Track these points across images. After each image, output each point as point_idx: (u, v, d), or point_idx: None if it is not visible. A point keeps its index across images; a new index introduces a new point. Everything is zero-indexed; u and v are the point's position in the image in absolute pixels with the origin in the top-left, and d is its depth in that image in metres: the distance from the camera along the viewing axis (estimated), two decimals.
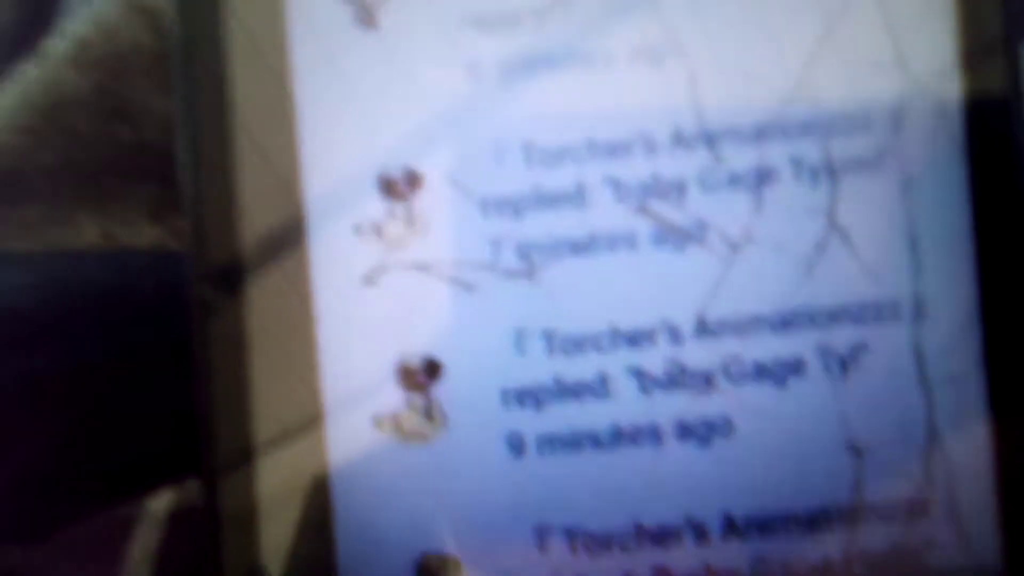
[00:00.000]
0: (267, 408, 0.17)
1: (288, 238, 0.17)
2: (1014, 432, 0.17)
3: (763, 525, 0.17)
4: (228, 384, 0.17)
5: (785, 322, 0.17)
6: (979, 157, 0.17)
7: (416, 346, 0.17)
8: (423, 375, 0.17)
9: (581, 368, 0.17)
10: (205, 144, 0.17)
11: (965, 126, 0.17)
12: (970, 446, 0.17)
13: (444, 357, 0.17)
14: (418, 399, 0.17)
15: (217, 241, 0.17)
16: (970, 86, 0.17)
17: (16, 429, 0.19)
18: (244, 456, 0.17)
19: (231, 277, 0.17)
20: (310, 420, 0.17)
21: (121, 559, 0.20)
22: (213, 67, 0.17)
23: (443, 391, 0.17)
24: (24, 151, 0.20)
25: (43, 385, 0.19)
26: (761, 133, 0.18)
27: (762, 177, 0.17)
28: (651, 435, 0.17)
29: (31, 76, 0.20)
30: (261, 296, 0.17)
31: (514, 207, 0.17)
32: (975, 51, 0.18)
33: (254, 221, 0.17)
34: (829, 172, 0.17)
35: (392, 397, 0.17)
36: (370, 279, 0.17)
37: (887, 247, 0.17)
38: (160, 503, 0.20)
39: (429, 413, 0.17)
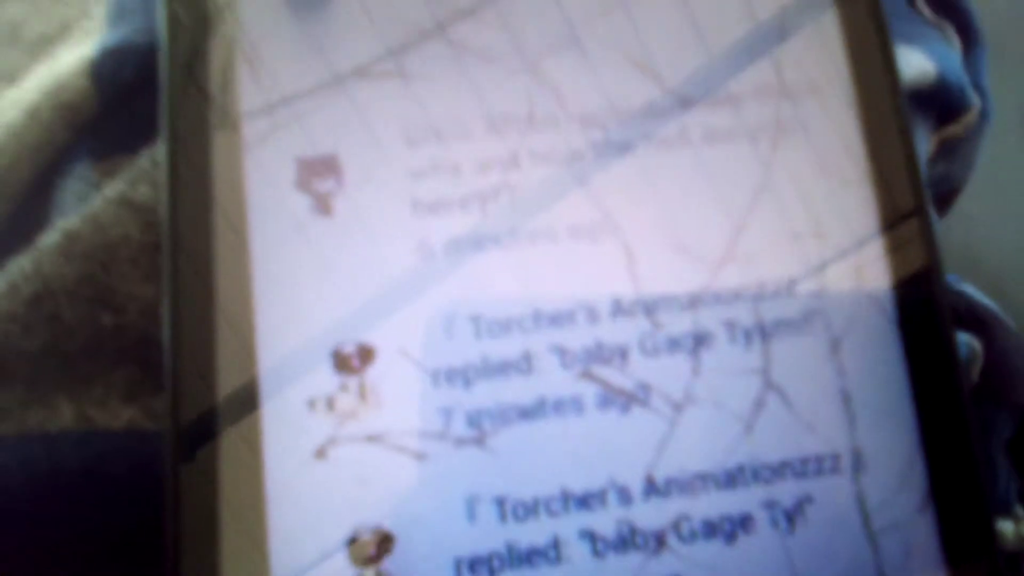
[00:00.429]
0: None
1: (244, 408, 0.18)
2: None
3: None
4: (196, 551, 0.17)
5: (730, 478, 0.18)
6: (904, 317, 0.19)
7: (368, 518, 0.17)
8: (374, 548, 0.17)
9: (533, 533, 0.17)
10: (186, 324, 0.18)
11: (888, 287, 0.19)
12: None
13: (396, 528, 0.17)
14: (369, 573, 0.17)
15: (190, 411, 0.18)
16: (890, 254, 0.19)
17: None
18: None
19: (198, 442, 0.17)
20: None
21: None
22: (198, 255, 0.18)
23: (395, 563, 0.17)
24: (8, 338, 0.20)
25: (2, 571, 0.19)
26: (695, 300, 0.19)
27: (699, 340, 0.18)
28: None
29: (22, 267, 0.20)
30: (226, 465, 0.17)
31: (464, 376, 0.18)
32: (891, 218, 0.19)
33: (234, 396, 0.18)
34: (761, 334, 0.19)
35: (343, 573, 0.17)
36: (322, 453, 0.18)
37: (822, 403, 0.18)
38: None
39: None
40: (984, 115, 0.27)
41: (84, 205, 0.21)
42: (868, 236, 0.19)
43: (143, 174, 0.21)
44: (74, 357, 0.20)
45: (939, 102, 0.25)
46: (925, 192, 0.19)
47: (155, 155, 0.21)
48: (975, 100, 0.26)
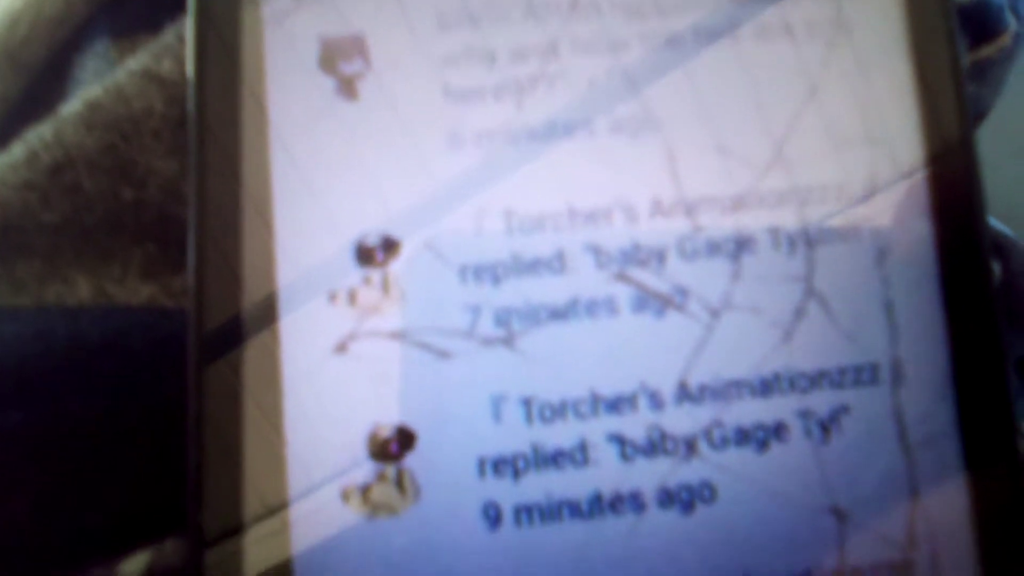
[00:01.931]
0: (254, 479, 0.17)
1: (269, 306, 0.17)
2: (992, 490, 0.17)
3: None
4: (219, 449, 0.17)
5: (766, 387, 0.17)
6: (945, 230, 0.18)
7: (389, 416, 0.17)
8: (395, 445, 0.17)
9: (560, 435, 0.17)
10: (211, 209, 0.17)
11: (932, 201, 0.18)
12: (951, 506, 0.17)
13: (418, 426, 0.17)
14: (389, 470, 0.17)
15: (216, 303, 0.17)
16: (935, 166, 0.18)
17: None
18: (233, 524, 0.17)
19: (228, 340, 0.17)
20: (277, 495, 0.17)
21: None
22: (224, 136, 0.17)
23: (416, 461, 0.17)
24: (26, 208, 0.20)
25: (20, 442, 0.19)
26: (738, 203, 0.18)
27: (740, 245, 0.18)
28: (633, 502, 0.17)
29: (41, 135, 0.20)
30: (254, 362, 0.17)
31: (492, 274, 0.17)
32: (939, 136, 0.18)
33: (254, 287, 0.17)
34: (806, 241, 0.18)
35: (362, 468, 0.17)
36: (342, 347, 0.17)
37: (864, 313, 0.18)
38: (135, 565, 0.19)
39: (400, 484, 0.17)
40: (1019, 38, 0.26)
41: (103, 81, 0.20)
42: (916, 149, 0.18)
43: (167, 48, 0.20)
44: (93, 232, 0.20)
45: (976, 21, 0.24)
46: (969, 112, 0.18)
47: (180, 30, 0.20)
48: (1011, 22, 0.25)
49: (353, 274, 0.17)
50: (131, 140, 0.20)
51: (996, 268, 0.22)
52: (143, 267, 0.20)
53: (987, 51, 0.25)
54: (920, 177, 0.18)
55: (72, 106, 0.20)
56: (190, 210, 0.17)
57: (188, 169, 0.18)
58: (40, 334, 0.19)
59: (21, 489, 0.19)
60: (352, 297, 0.17)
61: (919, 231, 0.18)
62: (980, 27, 0.24)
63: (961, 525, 0.17)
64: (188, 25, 0.18)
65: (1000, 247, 0.23)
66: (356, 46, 0.18)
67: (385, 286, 0.17)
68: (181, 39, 0.20)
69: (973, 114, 0.27)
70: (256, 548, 0.17)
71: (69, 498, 0.19)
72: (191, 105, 0.18)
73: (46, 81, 0.22)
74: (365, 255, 0.17)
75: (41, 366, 0.19)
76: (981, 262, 0.18)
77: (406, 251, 0.17)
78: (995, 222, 0.23)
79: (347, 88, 0.18)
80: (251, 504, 0.17)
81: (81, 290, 0.20)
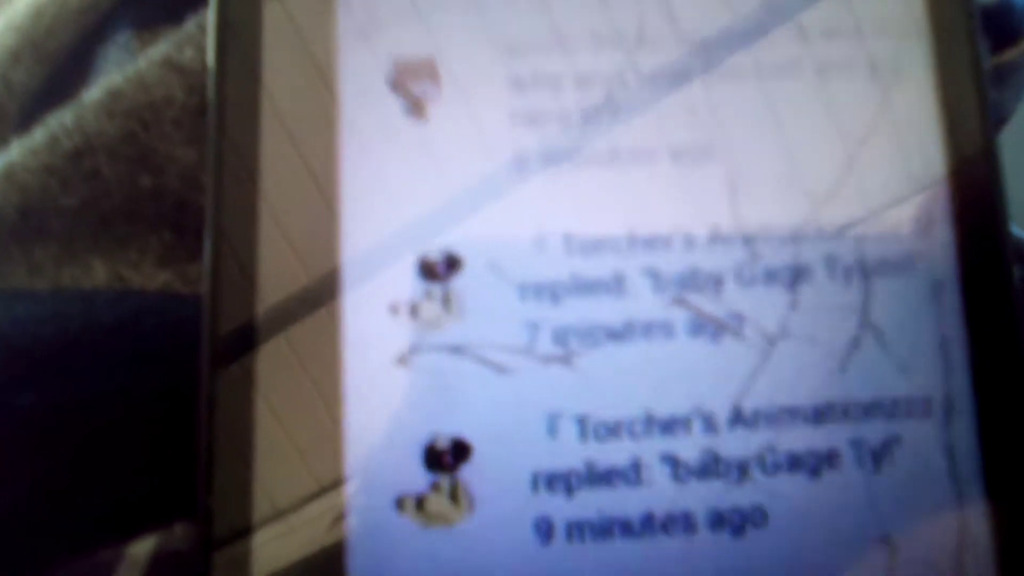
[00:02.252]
0: (272, 476, 0.17)
1: (310, 307, 0.18)
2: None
3: None
4: (232, 440, 0.17)
5: (819, 414, 0.18)
6: (967, 239, 0.18)
7: (446, 427, 0.17)
8: (451, 456, 0.17)
9: (614, 454, 0.17)
10: (228, 205, 0.18)
11: (953, 209, 0.18)
12: (1003, 541, 0.17)
13: (474, 439, 0.17)
14: (444, 481, 0.17)
15: (233, 295, 0.17)
16: (957, 174, 0.18)
17: None
18: (243, 513, 0.17)
19: (245, 336, 0.17)
20: (324, 494, 0.17)
21: None
22: (243, 129, 0.18)
23: (471, 474, 0.17)
24: (45, 192, 0.20)
25: (32, 423, 0.19)
26: (797, 233, 0.18)
27: (797, 274, 0.18)
28: (684, 523, 0.17)
29: (63, 121, 0.20)
30: (277, 361, 0.17)
31: (552, 293, 0.18)
32: (961, 144, 0.18)
33: (274, 283, 0.18)
34: (862, 272, 0.18)
35: (417, 478, 0.17)
36: (403, 359, 0.17)
37: (918, 346, 0.18)
38: (142, 548, 0.19)
39: (455, 495, 0.17)
40: None
41: (124, 70, 0.21)
42: (937, 158, 0.18)
43: (189, 38, 0.20)
44: (111, 217, 0.20)
45: (999, 24, 0.24)
46: (993, 130, 0.18)
47: (202, 20, 0.20)
48: None
49: (416, 288, 0.18)
50: (151, 128, 0.20)
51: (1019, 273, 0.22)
52: (159, 254, 0.20)
53: (1010, 55, 0.25)
54: (941, 187, 0.18)
55: (93, 93, 0.20)
56: (207, 207, 0.18)
57: (206, 160, 0.18)
58: (55, 316, 0.19)
59: (32, 469, 0.19)
60: (414, 310, 0.18)
61: (974, 266, 0.18)
62: (1004, 30, 0.24)
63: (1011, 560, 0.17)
64: (209, 14, 0.18)
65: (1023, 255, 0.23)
66: (427, 68, 0.18)
67: (446, 301, 0.18)
68: (203, 29, 0.20)
69: (992, 119, 0.27)
70: (266, 550, 0.17)
71: (79, 480, 0.19)
72: (211, 94, 0.18)
73: (69, 71, 0.22)
74: (428, 270, 0.18)
75: (55, 348, 0.19)
76: (1004, 271, 0.18)
77: (468, 268, 0.18)
78: (1017, 230, 0.23)
79: (416, 108, 0.18)
80: (262, 505, 0.17)
81: (97, 274, 0.20)
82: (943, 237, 0.18)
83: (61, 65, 0.22)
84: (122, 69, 0.21)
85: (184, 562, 0.19)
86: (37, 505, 0.19)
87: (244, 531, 0.17)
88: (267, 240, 0.18)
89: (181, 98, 0.20)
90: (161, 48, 0.20)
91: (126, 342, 0.19)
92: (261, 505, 0.17)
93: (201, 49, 0.20)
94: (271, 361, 0.17)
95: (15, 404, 0.19)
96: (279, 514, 0.17)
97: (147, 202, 0.20)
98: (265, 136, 0.18)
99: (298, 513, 0.17)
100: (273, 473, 0.17)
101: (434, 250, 0.18)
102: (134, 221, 0.20)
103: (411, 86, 0.18)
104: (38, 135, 0.20)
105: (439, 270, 0.18)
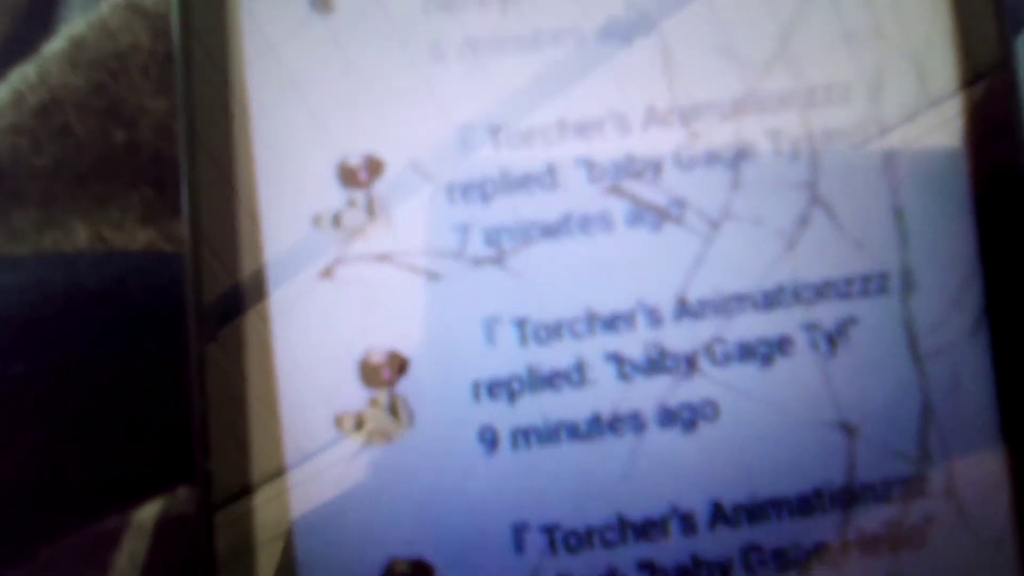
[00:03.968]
0: (266, 433, 0.16)
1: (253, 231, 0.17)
2: (1015, 400, 0.16)
3: (753, 512, 0.16)
4: (225, 396, 0.16)
5: (769, 299, 0.17)
6: (973, 127, 0.17)
7: (380, 341, 0.16)
8: (388, 371, 0.16)
9: (556, 356, 0.16)
10: (204, 146, 0.17)
11: (956, 94, 0.17)
12: (967, 418, 0.17)
13: (410, 351, 0.16)
14: (382, 396, 0.16)
15: (231, 246, 0.16)
16: (960, 55, 0.17)
17: None
18: (239, 468, 0.16)
19: (243, 287, 0.16)
20: (269, 425, 0.16)
21: (107, 572, 0.19)
22: (214, 69, 0.17)
23: (409, 387, 0.16)
24: (17, 153, 0.19)
25: (26, 392, 0.19)
26: (738, 107, 0.17)
27: (740, 152, 0.17)
28: (632, 423, 0.16)
29: (26, 75, 0.19)
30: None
31: (481, 191, 0.17)
32: (966, 24, 0.17)
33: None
34: (810, 145, 0.17)
35: (354, 395, 0.16)
36: (329, 272, 0.16)
37: (872, 220, 0.17)
38: (148, 513, 0.19)
39: (394, 410, 0.16)
40: None
41: (87, 15, 0.20)
42: (933, 34, 0.17)
43: None
44: (88, 176, 0.19)
45: None
46: (1006, 23, 0.17)
47: None
48: None
49: (337, 196, 0.17)
50: (119, 78, 0.19)
51: None
52: (141, 211, 0.19)
53: None
54: (936, 72, 0.17)
55: (56, 44, 0.19)
56: (180, 158, 0.17)
57: (177, 110, 0.17)
58: (39, 283, 0.19)
59: (30, 439, 0.19)
60: (337, 220, 0.17)
61: (936, 132, 0.17)
62: None
63: (979, 437, 0.17)
64: None
65: None
66: None
67: (370, 208, 0.17)
68: None
69: (1010, 20, 0.26)
70: (268, 507, 0.16)
71: (78, 447, 0.19)
72: (176, 38, 0.17)
73: (31, 19, 0.21)
74: (348, 176, 0.17)
75: (41, 315, 0.19)
76: (1020, 185, 0.17)
77: (390, 171, 0.17)
78: None
79: (322, 0, 0.17)
80: (260, 463, 0.16)
81: (79, 236, 0.19)
82: (896, 102, 0.17)
83: (22, 14, 0.21)
84: (84, 16, 0.20)
85: (190, 525, 0.18)
86: (38, 475, 0.19)
87: (244, 491, 0.16)
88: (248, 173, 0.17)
89: (147, 44, 0.19)
90: None
91: (112, 306, 0.19)
92: (259, 464, 0.16)
93: None
94: (257, 321, 0.16)
95: (6, 374, 0.18)
96: (279, 471, 0.16)
97: (123, 157, 0.19)
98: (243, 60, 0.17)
99: (300, 469, 0.16)
100: (267, 430, 0.16)
101: (353, 154, 0.17)
102: (112, 178, 0.19)
103: None
104: (2, 92, 0.19)
105: (360, 176, 0.17)
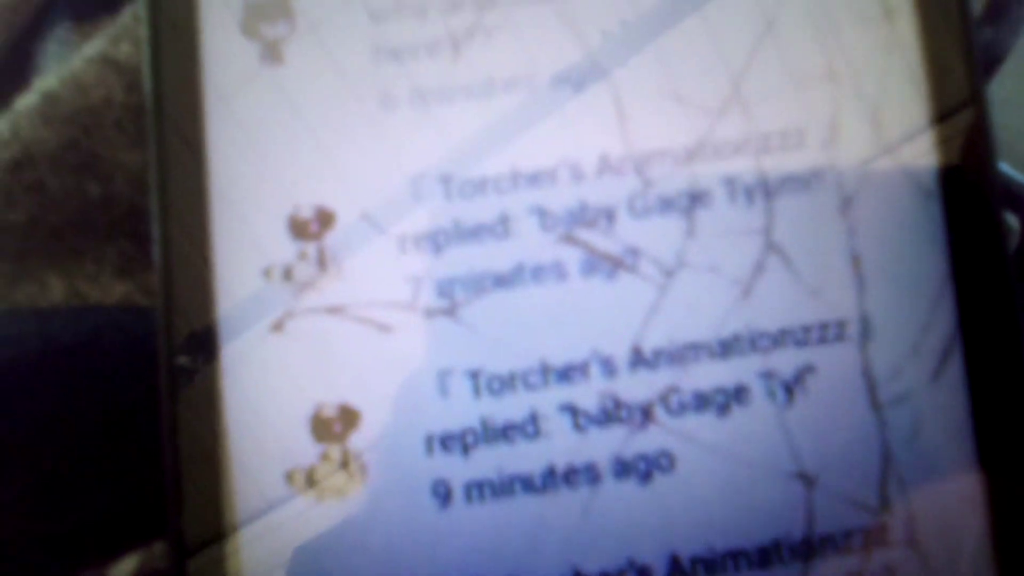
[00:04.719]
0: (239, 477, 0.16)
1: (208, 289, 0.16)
2: (988, 446, 0.16)
3: (711, 564, 0.16)
4: (199, 446, 0.16)
5: (725, 348, 0.16)
6: (940, 166, 0.17)
7: (331, 395, 0.16)
8: (339, 425, 0.16)
9: (510, 408, 0.16)
10: (176, 198, 0.16)
11: (915, 136, 0.17)
12: (928, 465, 0.16)
13: (362, 404, 0.16)
14: (334, 451, 0.16)
15: (189, 299, 0.16)
16: (927, 94, 0.17)
17: None
18: (213, 517, 0.16)
19: (205, 337, 0.16)
20: (224, 481, 0.16)
21: None
22: (185, 120, 0.17)
23: (361, 441, 0.16)
24: None
25: (1, 448, 0.18)
26: (692, 154, 0.17)
27: (694, 200, 0.17)
28: (587, 475, 0.16)
29: None
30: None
31: (433, 242, 0.17)
32: (933, 63, 0.17)
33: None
34: (764, 191, 0.17)
35: (306, 451, 0.16)
36: (279, 326, 0.16)
37: (828, 265, 0.17)
38: (124, 568, 0.19)
39: (347, 465, 0.16)
40: None
41: (60, 70, 0.19)
42: (884, 76, 0.17)
43: (125, 31, 0.19)
44: (62, 230, 0.19)
45: None
46: (978, 57, 0.17)
47: (136, 9, 0.19)
48: None
49: (288, 248, 0.16)
50: (92, 133, 0.19)
51: (1014, 222, 0.21)
52: (117, 264, 0.19)
53: None
54: (889, 117, 0.17)
55: (28, 99, 0.19)
56: (152, 209, 0.16)
57: (149, 162, 0.17)
58: (12, 339, 0.19)
59: (5, 494, 0.18)
60: (287, 273, 0.16)
61: (891, 176, 0.17)
62: None
63: (940, 486, 0.16)
64: (141, 3, 0.17)
65: (1018, 199, 0.21)
66: (279, 7, 0.17)
67: (321, 260, 0.16)
68: (138, 19, 0.19)
69: (988, 58, 0.26)
70: (245, 552, 0.16)
71: (52, 503, 0.19)
72: (148, 90, 0.17)
73: (5, 72, 0.21)
74: (299, 228, 0.17)
75: (15, 371, 0.18)
76: (992, 221, 0.16)
77: (341, 222, 0.17)
78: (1014, 172, 0.22)
79: (272, 52, 0.17)
80: (233, 509, 0.16)
81: (54, 290, 0.19)
82: (852, 146, 0.17)
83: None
84: (57, 70, 0.20)
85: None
86: (14, 530, 0.18)
87: (216, 538, 0.16)
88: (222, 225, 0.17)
89: (120, 98, 0.19)
90: (96, 44, 0.19)
91: (87, 360, 0.19)
92: (239, 501, 0.16)
93: (138, 42, 0.19)
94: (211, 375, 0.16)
95: None
96: (258, 509, 0.16)
97: (98, 211, 0.19)
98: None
99: (252, 526, 0.16)
100: (223, 486, 0.16)
101: (304, 206, 0.17)
102: (87, 232, 0.19)
103: (264, 29, 0.17)
104: None
105: (311, 227, 0.17)
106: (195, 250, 0.16)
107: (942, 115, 0.17)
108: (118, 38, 0.19)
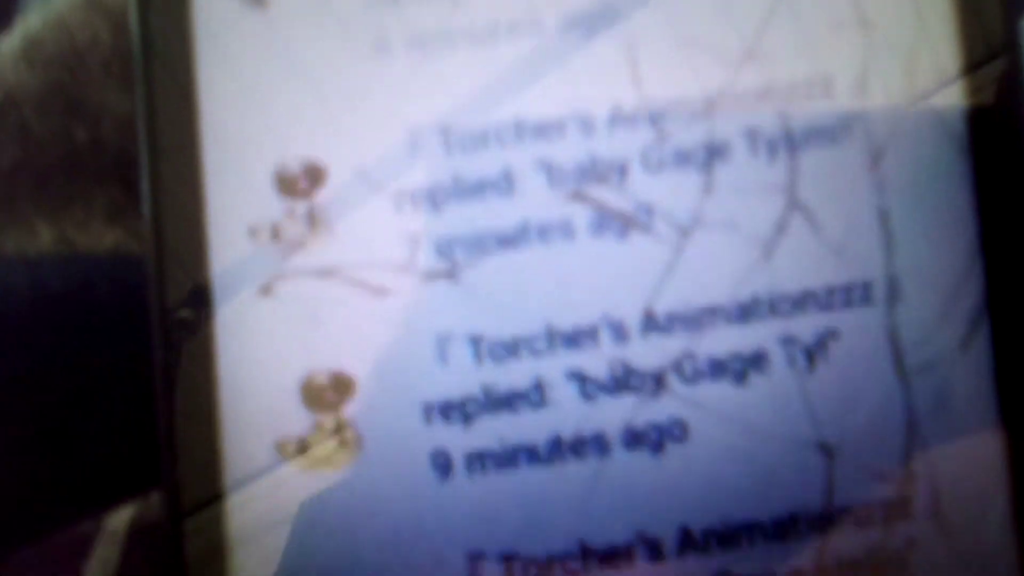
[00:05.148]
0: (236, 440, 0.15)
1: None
2: (1009, 420, 0.15)
3: (725, 538, 0.15)
4: (194, 397, 0.15)
5: (743, 312, 0.15)
6: (976, 126, 0.15)
7: (323, 361, 0.15)
8: (332, 393, 0.15)
9: (513, 375, 0.15)
10: (166, 144, 0.16)
11: (949, 86, 0.16)
12: (955, 436, 0.15)
13: (356, 372, 0.15)
14: (327, 420, 0.15)
15: (184, 250, 0.15)
16: (957, 43, 0.15)
17: None
18: (210, 475, 0.15)
19: (204, 291, 0.15)
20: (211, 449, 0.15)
21: None
22: (175, 64, 0.16)
23: (356, 410, 0.15)
24: None
25: None
26: (710, 104, 0.16)
27: (713, 153, 0.16)
28: (596, 445, 0.15)
29: None
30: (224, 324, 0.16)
31: (432, 199, 0.15)
32: (964, 11, 0.16)
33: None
34: (788, 144, 0.15)
35: (297, 419, 0.15)
36: (267, 289, 0.15)
37: (855, 224, 0.15)
38: (119, 519, 0.19)
39: (341, 435, 0.15)
40: None
41: (43, 11, 0.19)
42: (917, 24, 0.16)
43: None
44: (50, 175, 0.19)
45: None
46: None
47: None
48: None
49: (275, 206, 0.15)
50: (78, 75, 0.19)
51: None
52: (106, 210, 0.19)
53: None
54: (923, 65, 0.16)
55: (10, 41, 0.19)
56: (141, 156, 0.16)
57: (137, 107, 0.16)
58: (3, 287, 0.19)
59: None
60: (275, 233, 0.15)
61: (926, 128, 0.16)
62: None
63: (966, 458, 0.15)
64: None
65: None
66: None
67: (311, 219, 0.15)
68: None
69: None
70: (237, 514, 0.15)
71: (46, 454, 0.18)
72: (135, 31, 0.16)
73: None
74: (287, 185, 0.15)
75: (4, 320, 0.18)
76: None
77: (333, 178, 0.15)
78: None
79: None
80: (230, 471, 0.15)
81: (42, 237, 0.19)
82: (882, 96, 0.16)
83: None
84: (41, 11, 0.19)
85: (162, 531, 0.18)
86: (7, 480, 0.18)
87: (213, 498, 0.15)
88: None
89: (107, 40, 0.19)
90: None
91: (78, 310, 0.19)
92: (229, 470, 0.15)
93: None
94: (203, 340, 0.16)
95: None
96: (247, 478, 0.15)
97: (86, 156, 0.19)
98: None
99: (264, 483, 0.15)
100: (238, 437, 0.15)
101: (292, 160, 0.16)
102: (75, 177, 0.19)
103: None
104: None
105: (300, 184, 0.16)
106: (188, 199, 0.15)
107: (975, 63, 0.15)
108: None
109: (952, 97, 0.16)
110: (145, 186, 0.16)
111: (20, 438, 0.18)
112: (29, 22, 0.19)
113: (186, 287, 0.15)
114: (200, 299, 0.15)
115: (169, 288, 0.15)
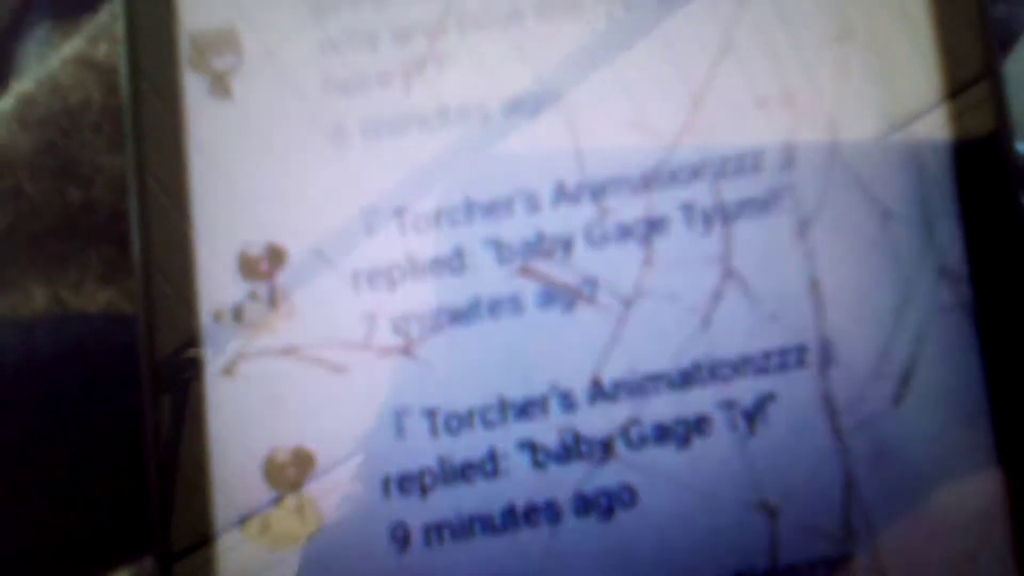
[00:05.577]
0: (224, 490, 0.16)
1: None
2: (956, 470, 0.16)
3: None
4: (187, 460, 0.16)
5: (685, 378, 0.16)
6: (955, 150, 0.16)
7: (285, 438, 0.16)
8: (293, 469, 0.16)
9: (468, 447, 0.16)
10: (156, 204, 0.16)
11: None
12: (890, 494, 0.16)
13: (317, 447, 0.16)
14: (289, 497, 0.16)
15: (172, 305, 0.16)
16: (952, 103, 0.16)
17: None
18: (202, 537, 0.16)
19: (189, 345, 0.16)
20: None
21: None
22: (165, 121, 0.16)
23: (317, 485, 0.16)
24: None
25: None
26: (649, 180, 0.16)
27: (652, 226, 0.16)
28: (548, 513, 0.16)
29: None
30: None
31: (387, 278, 0.16)
32: (954, 68, 0.17)
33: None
34: (722, 216, 0.16)
35: (259, 496, 0.16)
36: (230, 370, 0.16)
37: (787, 291, 0.16)
38: None
39: (301, 511, 0.16)
40: None
41: (36, 72, 0.19)
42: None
43: (103, 30, 0.19)
44: (43, 237, 0.19)
45: None
46: (993, 42, 0.16)
47: (114, 7, 0.19)
48: None
49: (238, 288, 0.16)
50: (71, 136, 0.19)
51: None
52: (100, 270, 0.19)
53: None
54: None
55: (3, 103, 0.19)
56: (131, 220, 0.16)
57: (127, 170, 0.16)
58: None
59: None
60: (238, 314, 0.16)
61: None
62: None
63: (904, 513, 0.16)
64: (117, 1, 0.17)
65: None
66: (226, 40, 0.16)
67: (273, 299, 0.16)
68: (115, 16, 0.19)
69: (1003, 36, 0.25)
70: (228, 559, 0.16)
71: (42, 517, 0.18)
72: (126, 90, 0.16)
73: None
74: (249, 267, 0.16)
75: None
76: (1009, 199, 0.16)
77: (293, 260, 0.16)
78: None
79: (219, 86, 0.16)
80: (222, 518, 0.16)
81: (36, 300, 0.19)
82: (808, 169, 0.17)
83: None
84: (34, 71, 0.19)
85: None
86: (2, 546, 0.18)
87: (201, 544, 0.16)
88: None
89: (99, 99, 0.19)
90: (74, 44, 0.19)
91: (70, 372, 0.18)
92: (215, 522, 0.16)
93: (116, 42, 0.18)
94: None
95: None
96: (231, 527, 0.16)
97: (79, 217, 0.19)
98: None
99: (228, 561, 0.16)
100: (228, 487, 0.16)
101: (254, 243, 0.16)
102: (69, 238, 0.19)
103: (212, 61, 0.16)
104: None
105: (261, 266, 0.16)
106: (178, 256, 0.16)
107: (954, 91, 0.16)
108: (96, 38, 0.19)
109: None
110: (136, 245, 0.16)
111: (12, 502, 0.18)
112: (23, 83, 0.19)
113: (171, 341, 0.16)
114: (192, 360, 0.16)
115: (159, 342, 0.16)
